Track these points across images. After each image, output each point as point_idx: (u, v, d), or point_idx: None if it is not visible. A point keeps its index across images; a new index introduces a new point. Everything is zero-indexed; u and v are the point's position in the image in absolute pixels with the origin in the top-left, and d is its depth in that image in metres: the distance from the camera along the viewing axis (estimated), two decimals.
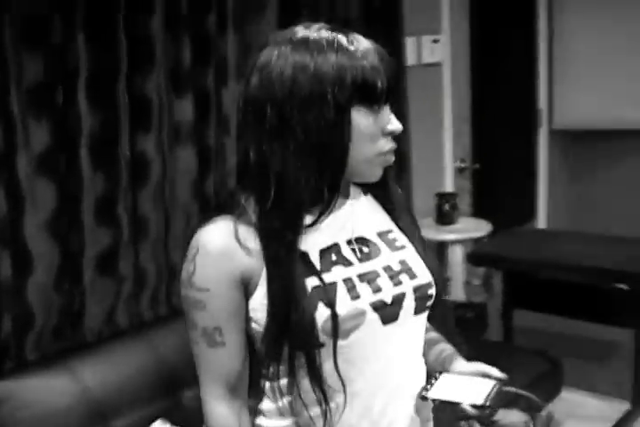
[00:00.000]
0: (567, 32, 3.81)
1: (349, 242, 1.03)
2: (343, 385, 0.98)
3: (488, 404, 1.01)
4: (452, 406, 1.03)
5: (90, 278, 1.87)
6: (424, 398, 1.05)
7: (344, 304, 0.97)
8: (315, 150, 0.95)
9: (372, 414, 1.01)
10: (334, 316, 0.95)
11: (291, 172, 0.95)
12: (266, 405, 1.03)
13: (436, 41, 3.13)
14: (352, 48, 0.95)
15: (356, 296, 0.98)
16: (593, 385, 2.78)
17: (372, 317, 0.99)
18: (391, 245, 1.06)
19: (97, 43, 1.80)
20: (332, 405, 0.99)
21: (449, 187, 3.36)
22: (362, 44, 0.96)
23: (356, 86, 0.94)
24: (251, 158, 0.96)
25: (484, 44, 3.59)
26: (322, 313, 0.95)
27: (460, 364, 1.12)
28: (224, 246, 0.98)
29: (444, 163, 3.36)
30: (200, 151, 2.09)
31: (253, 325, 0.98)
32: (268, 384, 1.03)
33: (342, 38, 0.96)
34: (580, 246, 2.81)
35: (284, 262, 0.96)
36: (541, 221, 4.05)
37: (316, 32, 0.97)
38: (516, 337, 2.81)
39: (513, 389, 1.03)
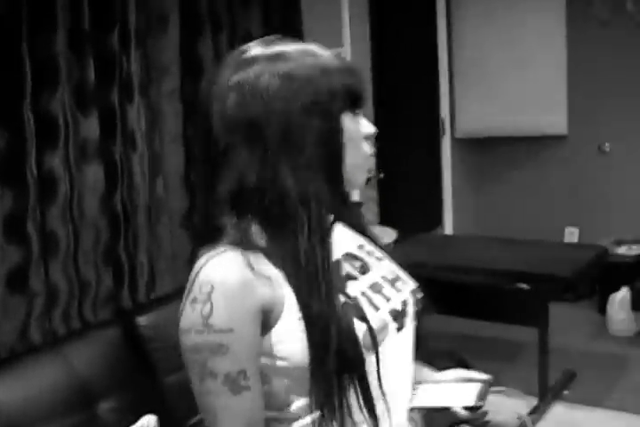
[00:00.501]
0: (466, 44, 3.97)
1: (344, 257, 1.02)
2: (385, 399, 0.96)
3: (480, 404, 1.00)
4: (444, 412, 1.02)
5: (1, 296, 1.88)
6: (412, 409, 1.02)
7: (372, 317, 0.95)
8: (324, 160, 0.92)
9: None
10: (371, 329, 0.92)
11: (306, 186, 0.91)
12: None
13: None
14: (325, 54, 0.95)
15: (376, 308, 0.97)
16: (504, 384, 2.87)
17: (393, 326, 0.99)
18: (373, 256, 1.06)
19: (0, 62, 1.83)
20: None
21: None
22: (326, 51, 0.96)
23: (346, 91, 0.93)
24: (248, 182, 0.90)
25: (385, 56, 3.69)
26: (359, 329, 0.92)
27: (438, 373, 1.11)
28: (243, 279, 0.89)
29: None
30: (107, 167, 2.14)
31: (278, 362, 0.90)
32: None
33: (312, 46, 0.95)
34: (483, 250, 2.96)
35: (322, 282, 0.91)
36: (447, 227, 4.18)
37: (284, 44, 0.95)
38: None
39: (502, 388, 1.08)
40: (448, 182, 4.15)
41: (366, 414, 0.91)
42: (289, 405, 0.93)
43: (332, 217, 0.98)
